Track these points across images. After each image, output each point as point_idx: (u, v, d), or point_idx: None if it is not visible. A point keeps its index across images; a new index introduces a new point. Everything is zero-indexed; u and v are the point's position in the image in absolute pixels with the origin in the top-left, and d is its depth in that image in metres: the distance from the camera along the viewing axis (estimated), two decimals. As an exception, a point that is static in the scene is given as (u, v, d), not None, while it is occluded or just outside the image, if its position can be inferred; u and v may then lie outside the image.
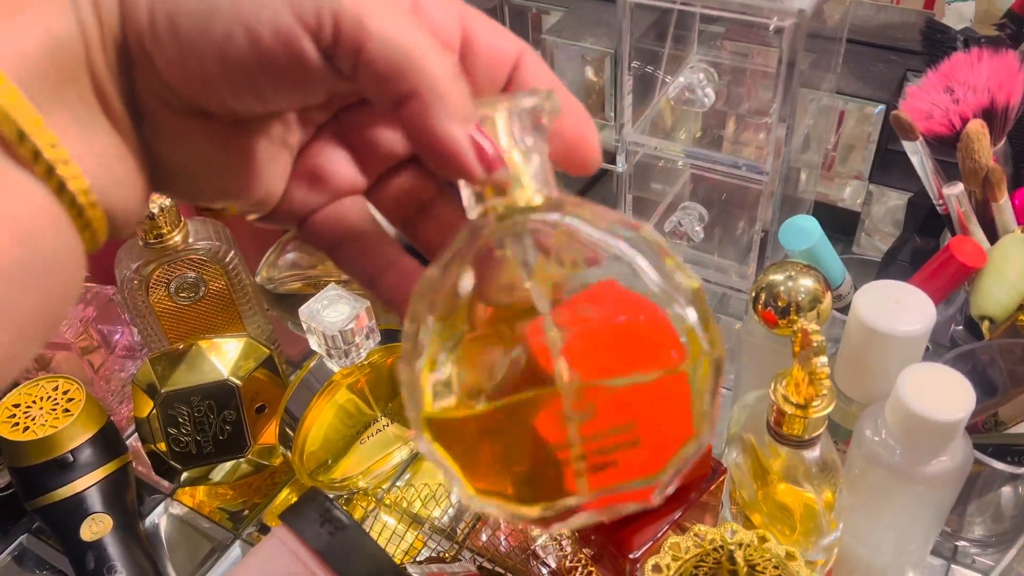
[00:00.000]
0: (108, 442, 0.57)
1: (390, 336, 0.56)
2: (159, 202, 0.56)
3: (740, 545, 0.43)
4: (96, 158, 0.21)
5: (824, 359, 0.40)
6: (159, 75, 0.21)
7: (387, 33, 0.21)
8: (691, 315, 0.22)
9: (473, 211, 0.23)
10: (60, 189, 0.20)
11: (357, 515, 0.58)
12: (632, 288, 0.22)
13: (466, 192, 0.23)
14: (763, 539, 0.44)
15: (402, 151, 0.26)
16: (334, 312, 0.51)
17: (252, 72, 0.21)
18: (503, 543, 0.57)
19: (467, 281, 0.22)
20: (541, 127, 0.23)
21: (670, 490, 0.23)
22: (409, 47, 0.21)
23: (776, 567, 0.42)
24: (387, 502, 0.59)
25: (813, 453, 0.45)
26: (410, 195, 0.26)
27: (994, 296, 0.48)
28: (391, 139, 0.25)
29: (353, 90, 0.22)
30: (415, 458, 0.62)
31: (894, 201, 0.73)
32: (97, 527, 0.54)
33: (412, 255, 0.26)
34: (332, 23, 0.20)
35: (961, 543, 0.55)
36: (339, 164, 0.25)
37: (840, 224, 0.75)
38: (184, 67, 0.21)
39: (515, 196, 0.23)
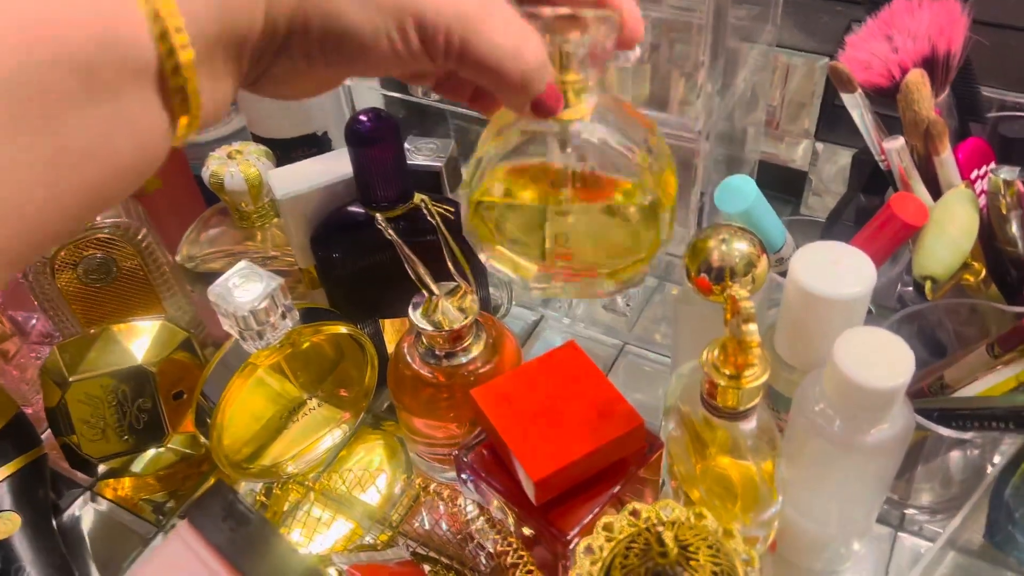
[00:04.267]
0: (18, 435, 0.54)
1: (310, 315, 0.52)
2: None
3: (673, 524, 0.41)
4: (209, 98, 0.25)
5: (754, 326, 0.38)
6: (295, 52, 0.26)
7: (491, 43, 0.27)
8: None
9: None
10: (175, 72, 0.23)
11: (289, 501, 0.56)
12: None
13: None
14: (700, 516, 0.42)
15: None
16: (244, 292, 0.47)
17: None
18: (442, 527, 0.54)
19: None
20: (599, 50, 0.31)
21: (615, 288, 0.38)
22: (505, 55, 0.28)
23: (711, 547, 0.40)
24: (318, 488, 0.56)
25: (749, 425, 0.43)
26: None
27: (937, 255, 0.46)
28: None
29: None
30: (346, 443, 0.60)
31: (844, 160, 0.70)
32: (4, 526, 0.51)
33: None
34: (445, 37, 0.27)
35: (909, 511, 0.53)
36: None
37: (788, 185, 0.72)
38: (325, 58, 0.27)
39: (566, 112, 0.32)
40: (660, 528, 0.39)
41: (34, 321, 0.65)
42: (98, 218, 0.56)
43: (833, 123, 0.65)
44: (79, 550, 0.57)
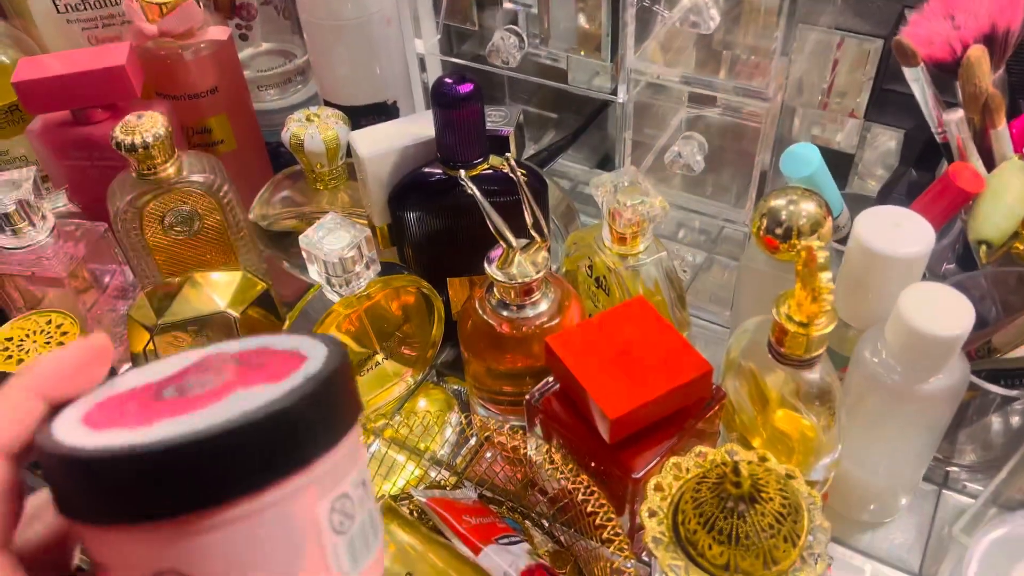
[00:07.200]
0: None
1: (390, 268, 0.55)
2: (153, 131, 0.55)
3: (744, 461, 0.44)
4: None
5: (829, 275, 0.40)
6: None
7: None
8: None
9: None
10: None
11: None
12: None
13: None
14: (763, 459, 0.45)
15: None
16: (335, 239, 0.50)
17: None
18: (500, 474, 0.57)
19: None
20: None
21: None
22: None
23: (778, 481, 0.43)
24: (387, 435, 0.59)
25: (813, 375, 0.46)
26: None
27: (992, 220, 0.48)
28: None
29: None
30: (412, 394, 0.63)
31: (886, 144, 0.73)
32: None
33: None
34: None
35: (952, 469, 0.56)
36: None
37: (833, 167, 0.75)
38: None
39: None
40: (737, 458, 0.41)
41: (109, 276, 0.68)
42: (185, 172, 0.58)
43: (882, 105, 0.68)
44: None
